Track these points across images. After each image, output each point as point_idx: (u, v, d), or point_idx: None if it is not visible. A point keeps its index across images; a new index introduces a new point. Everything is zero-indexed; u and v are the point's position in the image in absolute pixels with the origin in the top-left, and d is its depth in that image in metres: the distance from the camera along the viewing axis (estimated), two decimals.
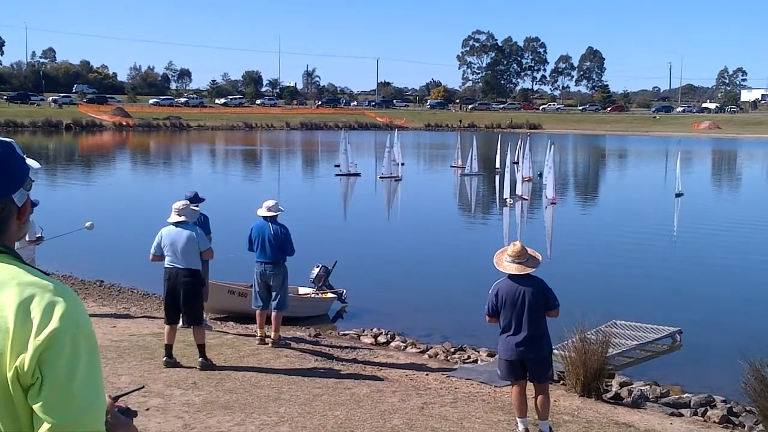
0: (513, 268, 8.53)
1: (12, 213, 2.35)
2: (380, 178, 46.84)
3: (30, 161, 2.45)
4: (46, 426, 2.10)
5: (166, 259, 10.97)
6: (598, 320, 12.53)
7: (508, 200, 35.47)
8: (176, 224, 10.99)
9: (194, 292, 10.99)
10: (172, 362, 10.64)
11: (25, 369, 2.10)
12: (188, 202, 11.59)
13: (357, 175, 48.32)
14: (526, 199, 37.32)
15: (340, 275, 17.53)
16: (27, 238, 12.73)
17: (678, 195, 38.11)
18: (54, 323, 2.13)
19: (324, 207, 36.44)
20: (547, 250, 23.28)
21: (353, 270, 19.82)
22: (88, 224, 14.18)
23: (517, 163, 42.26)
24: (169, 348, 10.79)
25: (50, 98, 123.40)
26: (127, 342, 11.85)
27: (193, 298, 10.96)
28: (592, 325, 11.80)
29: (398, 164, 47.61)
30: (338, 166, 49.38)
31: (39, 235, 13.04)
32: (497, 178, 41.48)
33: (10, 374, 2.11)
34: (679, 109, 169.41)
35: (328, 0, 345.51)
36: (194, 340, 10.78)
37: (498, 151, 49.45)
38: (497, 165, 47.78)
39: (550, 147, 37.05)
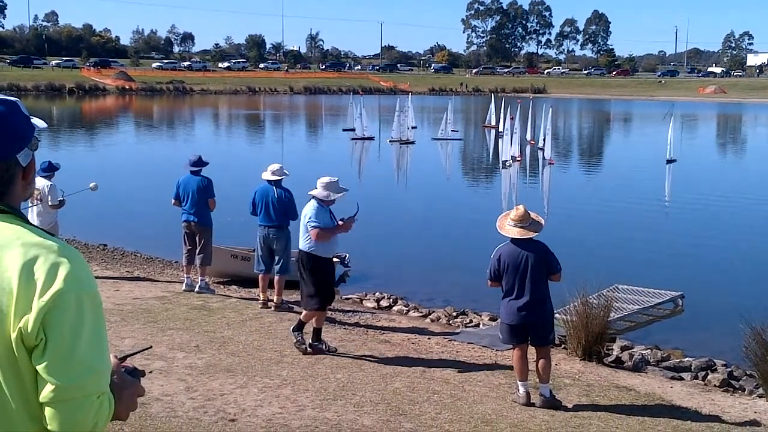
0: (515, 232, 8.54)
1: (17, 173, 2.33)
2: (389, 141, 46.86)
3: (36, 120, 2.43)
4: (50, 387, 2.12)
5: None
6: (600, 284, 12.55)
7: (507, 163, 35.86)
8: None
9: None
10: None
11: (29, 330, 2.11)
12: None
13: (371, 138, 48.70)
14: (519, 160, 38.07)
15: (343, 239, 17.50)
16: (49, 202, 12.77)
17: (669, 161, 37.54)
18: (58, 284, 2.13)
19: (336, 171, 36.49)
20: (545, 212, 23.27)
21: (356, 234, 19.79)
22: (92, 185, 14.17)
23: (503, 130, 42.62)
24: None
25: (53, 62, 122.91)
26: (130, 305, 11.89)
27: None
28: (594, 290, 11.82)
29: (410, 128, 47.77)
30: (351, 130, 49.65)
31: (61, 198, 13.04)
32: (500, 141, 41.57)
33: (14, 335, 2.12)
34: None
35: None
36: (314, 323, 10.06)
37: (501, 115, 49.49)
38: (500, 128, 47.93)
39: (549, 111, 38.92)
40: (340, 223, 10.10)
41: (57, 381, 2.11)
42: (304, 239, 10.00)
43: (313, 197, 9.98)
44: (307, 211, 9.91)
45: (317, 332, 9.97)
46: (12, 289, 2.13)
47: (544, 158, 37.98)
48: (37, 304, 2.11)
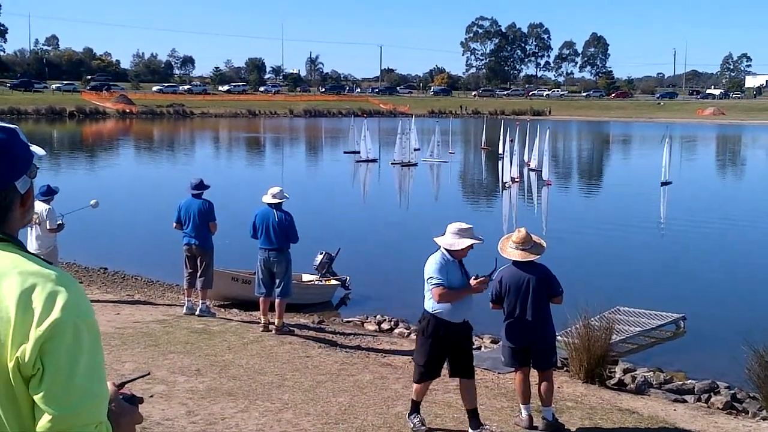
0: (517, 255, 8.52)
1: (15, 200, 2.32)
2: (392, 164, 47.05)
3: (34, 148, 2.42)
4: (47, 417, 2.09)
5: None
6: (602, 307, 12.52)
7: (507, 184, 36.18)
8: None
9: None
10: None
11: (26, 359, 2.09)
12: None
13: (374, 161, 49.16)
14: (518, 182, 38.70)
15: (343, 262, 17.52)
16: (48, 226, 12.77)
17: (664, 183, 37.53)
18: (56, 313, 2.11)
19: (338, 193, 36.58)
20: (542, 232, 23.24)
21: (357, 257, 19.82)
22: (93, 202, 14.17)
23: (503, 152, 42.97)
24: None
25: (53, 86, 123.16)
26: (131, 329, 11.86)
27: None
28: (596, 312, 11.79)
29: (413, 150, 48.29)
30: (353, 152, 50.43)
31: (60, 222, 13.03)
32: (499, 163, 41.79)
33: (11, 364, 2.10)
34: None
35: None
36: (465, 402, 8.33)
37: (500, 137, 49.73)
38: (499, 150, 48.15)
39: (546, 133, 40.22)
40: (473, 282, 7.96)
41: (54, 410, 2.09)
42: (427, 298, 8.01)
43: (440, 247, 8.11)
44: (429, 264, 7.98)
45: (413, 404, 8.31)
46: (9, 318, 2.11)
47: (540, 179, 38.68)
48: (34, 333, 2.09)
